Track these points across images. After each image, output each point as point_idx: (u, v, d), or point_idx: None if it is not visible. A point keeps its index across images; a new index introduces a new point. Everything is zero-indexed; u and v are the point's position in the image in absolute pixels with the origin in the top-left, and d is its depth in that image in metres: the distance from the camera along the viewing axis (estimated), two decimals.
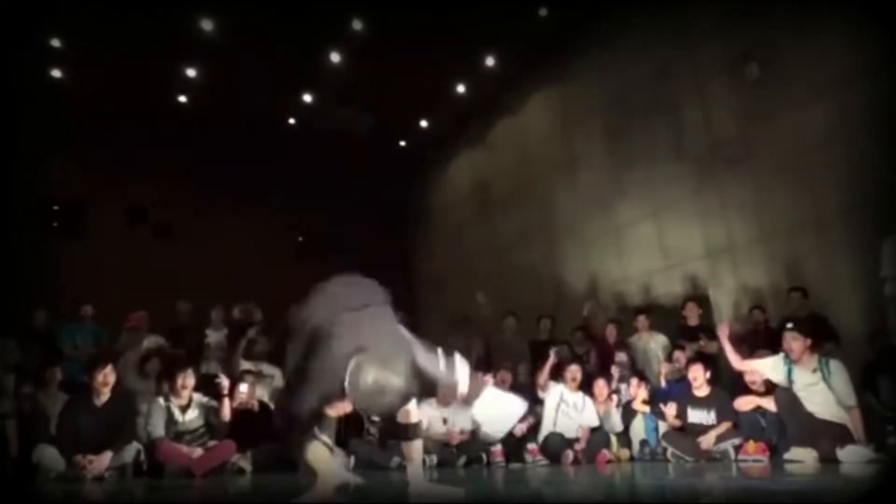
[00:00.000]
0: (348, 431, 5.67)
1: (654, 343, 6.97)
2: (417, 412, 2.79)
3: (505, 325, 7.85)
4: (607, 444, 5.87)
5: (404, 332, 2.70)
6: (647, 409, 6.02)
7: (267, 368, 6.52)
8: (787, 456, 4.69)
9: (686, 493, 2.88)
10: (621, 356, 6.70)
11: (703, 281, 7.61)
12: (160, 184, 10.27)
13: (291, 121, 10.68)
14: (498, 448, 5.83)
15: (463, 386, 2.66)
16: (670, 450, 5.47)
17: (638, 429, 6.09)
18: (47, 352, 6.66)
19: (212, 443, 5.32)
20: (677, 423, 5.60)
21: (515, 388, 6.66)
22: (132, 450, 5.06)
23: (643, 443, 5.95)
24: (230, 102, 9.65)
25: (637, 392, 6.19)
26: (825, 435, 4.55)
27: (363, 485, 3.41)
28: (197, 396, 5.46)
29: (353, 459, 5.26)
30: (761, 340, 5.84)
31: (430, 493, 2.77)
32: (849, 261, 6.20)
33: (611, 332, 7.27)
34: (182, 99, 9.92)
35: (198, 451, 5.15)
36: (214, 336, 7.21)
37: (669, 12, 7.96)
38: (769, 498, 2.59)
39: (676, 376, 6.21)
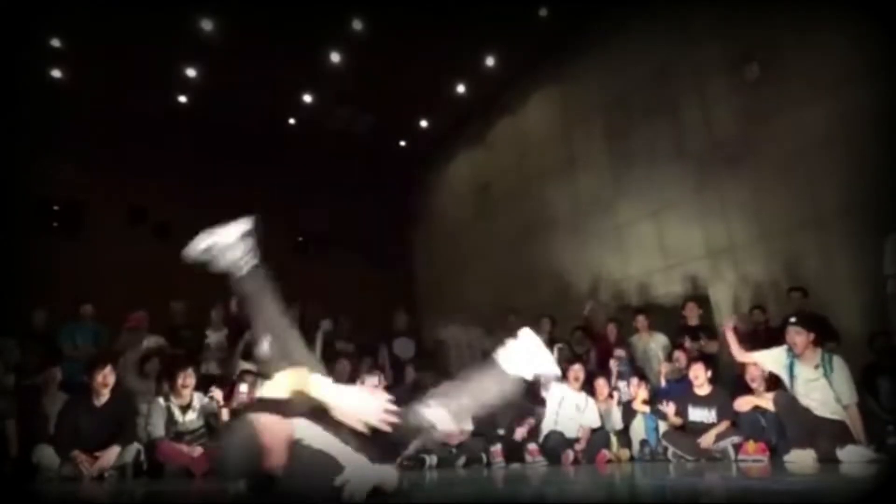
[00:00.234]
0: None
1: (654, 343, 6.97)
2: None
3: (507, 323, 7.83)
4: (607, 444, 5.88)
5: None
6: (647, 409, 6.03)
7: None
8: (787, 458, 4.69)
9: (686, 493, 2.87)
10: (620, 352, 6.71)
11: (703, 281, 7.62)
12: (160, 184, 10.26)
13: (291, 121, 10.68)
14: (498, 448, 5.84)
15: (446, 425, 2.55)
16: (671, 449, 5.48)
17: (638, 429, 6.09)
18: (47, 352, 6.66)
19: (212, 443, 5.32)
20: (678, 421, 5.61)
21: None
22: (132, 450, 5.07)
23: (643, 443, 5.95)
24: (230, 102, 9.65)
25: (637, 392, 6.19)
26: (824, 433, 4.56)
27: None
28: (198, 396, 5.47)
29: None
30: (761, 340, 5.85)
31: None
32: (849, 261, 6.20)
33: (611, 332, 7.28)
34: (182, 99, 9.93)
35: (198, 451, 5.15)
36: (214, 336, 7.22)
37: (669, 12, 7.96)
38: (769, 498, 2.59)
39: (676, 376, 6.21)
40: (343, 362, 6.81)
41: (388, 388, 5.62)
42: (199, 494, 3.96)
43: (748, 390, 5.42)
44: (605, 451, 5.75)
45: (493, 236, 10.74)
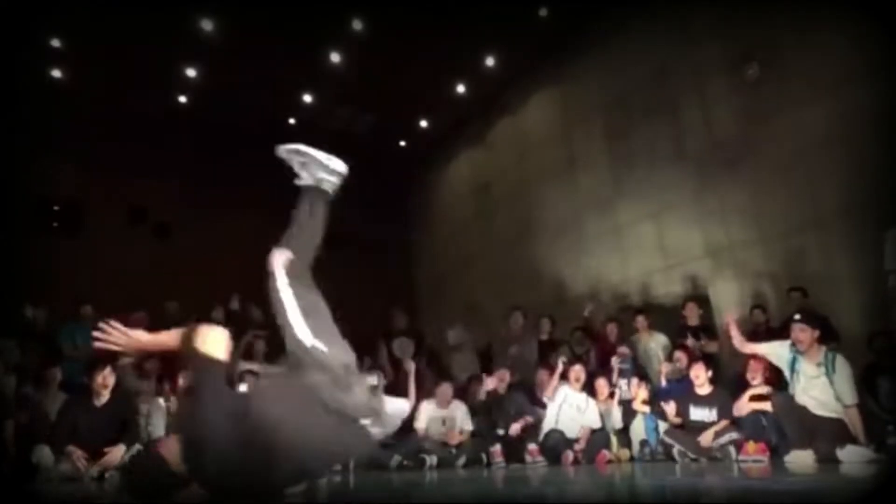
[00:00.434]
0: None
1: (654, 343, 6.97)
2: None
3: (512, 320, 7.82)
4: (607, 445, 5.88)
5: None
6: (647, 409, 6.03)
7: (267, 368, 6.52)
8: (787, 459, 4.69)
9: (686, 493, 2.87)
10: (624, 349, 6.71)
11: (703, 281, 7.61)
12: (160, 184, 10.26)
13: (291, 121, 10.68)
14: (498, 448, 5.85)
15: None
16: (675, 447, 5.48)
17: (638, 429, 6.09)
18: (47, 352, 6.65)
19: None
20: (678, 420, 5.61)
21: (517, 387, 6.68)
22: (133, 450, 5.05)
23: (643, 443, 5.95)
24: (230, 102, 9.65)
25: (637, 392, 6.19)
26: (823, 433, 4.56)
27: None
28: None
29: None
30: (762, 340, 5.84)
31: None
32: (849, 261, 6.20)
33: (611, 332, 7.27)
34: (182, 99, 9.93)
35: None
36: None
37: (669, 12, 7.96)
38: (769, 498, 2.59)
39: (677, 376, 6.21)
40: None
41: (387, 388, 5.62)
42: (198, 495, 3.95)
43: (748, 388, 5.42)
44: (605, 452, 5.75)
45: (493, 236, 10.74)
